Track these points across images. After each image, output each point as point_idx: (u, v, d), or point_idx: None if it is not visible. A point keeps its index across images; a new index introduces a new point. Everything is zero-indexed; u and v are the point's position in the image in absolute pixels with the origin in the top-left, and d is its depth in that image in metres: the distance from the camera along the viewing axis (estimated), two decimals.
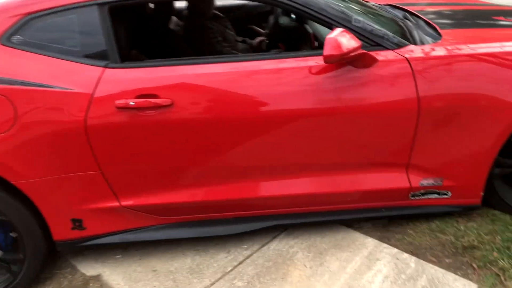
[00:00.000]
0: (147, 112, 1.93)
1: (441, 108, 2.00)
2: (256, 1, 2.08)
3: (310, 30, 2.70)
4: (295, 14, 2.85)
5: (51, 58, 1.92)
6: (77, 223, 2.12)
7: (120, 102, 1.91)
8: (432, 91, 1.97)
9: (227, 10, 3.42)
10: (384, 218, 2.35)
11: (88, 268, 2.29)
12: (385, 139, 2.09)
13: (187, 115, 1.96)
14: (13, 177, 1.95)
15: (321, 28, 2.40)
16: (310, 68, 1.98)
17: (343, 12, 2.03)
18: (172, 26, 3.09)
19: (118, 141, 1.97)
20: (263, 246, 2.30)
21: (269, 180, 2.16)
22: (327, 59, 1.83)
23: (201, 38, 2.91)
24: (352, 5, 2.27)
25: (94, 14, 1.93)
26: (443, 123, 2.04)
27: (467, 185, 2.22)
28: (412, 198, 2.24)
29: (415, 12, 2.66)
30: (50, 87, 1.89)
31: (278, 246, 2.28)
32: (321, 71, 1.98)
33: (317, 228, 2.35)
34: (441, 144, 2.10)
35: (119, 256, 2.34)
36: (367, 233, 2.31)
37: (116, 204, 2.11)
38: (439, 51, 2.02)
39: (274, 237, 2.34)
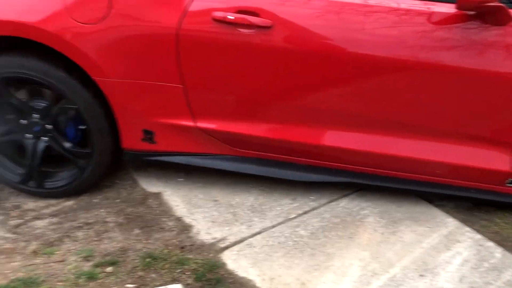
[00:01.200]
0: (243, 30, 1.77)
1: None
2: None
3: None
4: None
5: None
6: (148, 135, 2.04)
7: (219, 14, 1.76)
8: None
9: None
10: (470, 200, 2.11)
11: (149, 185, 2.22)
12: (497, 113, 1.83)
13: (284, 43, 1.78)
14: (95, 72, 1.87)
15: None
16: (431, 14, 1.74)
17: None
18: None
19: (207, 56, 1.84)
20: (331, 201, 2.13)
21: (353, 132, 1.96)
22: (460, 6, 1.59)
23: None
24: None
25: None
26: None
27: None
28: (508, 184, 1.98)
29: None
30: None
31: (348, 205, 2.11)
32: (443, 21, 1.73)
33: (393, 196, 2.15)
34: None
35: (182, 179, 2.26)
36: (449, 213, 2.08)
37: (190, 123, 2.00)
38: None
39: (344, 195, 2.17)
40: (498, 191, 2.02)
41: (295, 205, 2.10)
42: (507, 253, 1.87)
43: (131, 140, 2.05)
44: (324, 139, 1.98)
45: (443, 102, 1.82)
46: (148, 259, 1.75)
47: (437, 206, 2.12)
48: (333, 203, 2.12)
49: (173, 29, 1.78)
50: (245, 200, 2.13)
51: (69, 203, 2.11)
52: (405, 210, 2.08)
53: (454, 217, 2.06)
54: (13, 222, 1.99)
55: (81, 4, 1.81)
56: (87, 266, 1.72)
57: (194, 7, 1.78)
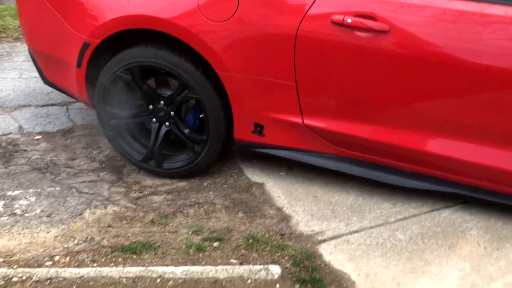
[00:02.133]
0: (360, 33, 1.85)
1: None
2: None
3: None
4: None
5: None
6: (258, 128, 2.18)
7: (338, 17, 1.85)
8: None
9: None
10: None
11: (254, 175, 2.37)
12: None
13: (401, 48, 1.82)
14: (218, 66, 2.06)
15: None
16: None
17: None
18: None
19: (322, 57, 1.94)
20: (433, 211, 2.11)
21: (464, 142, 1.93)
22: None
23: None
24: None
25: None
26: None
27: None
28: None
29: None
30: None
31: (450, 216, 2.08)
32: None
33: (500, 213, 2.08)
34: None
35: (284, 173, 2.38)
36: None
37: (299, 120, 2.11)
38: None
39: (447, 206, 2.14)
40: None
41: (395, 210, 2.12)
42: None
43: (242, 132, 2.21)
44: (431, 146, 1.97)
45: None
46: (250, 240, 1.88)
47: None
48: (434, 212, 2.10)
49: (293, 30, 1.91)
50: (344, 199, 2.19)
51: (182, 184, 2.33)
52: (511, 226, 2.00)
53: None
54: (134, 194, 2.24)
55: (212, 4, 2.01)
56: (196, 239, 1.90)
57: (314, 10, 1.89)
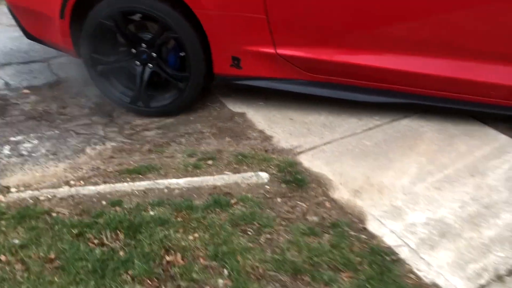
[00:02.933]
0: None
1: None
2: None
3: None
4: None
5: None
6: (236, 61, 2.40)
7: None
8: None
9: None
10: None
11: (235, 107, 2.62)
12: None
13: None
14: (195, 5, 2.25)
15: None
16: None
17: None
18: None
19: None
20: (393, 121, 2.43)
21: (417, 56, 2.22)
22: None
23: None
24: None
25: None
26: None
27: None
28: None
29: None
30: None
31: (409, 124, 2.40)
32: None
33: (450, 117, 2.41)
34: None
35: (262, 103, 2.63)
36: (502, 131, 2.32)
37: (272, 51, 2.34)
38: None
39: (405, 116, 2.46)
40: None
41: (361, 123, 2.42)
42: None
43: (221, 66, 2.43)
44: (390, 63, 2.26)
45: (500, 28, 2.04)
46: (240, 157, 2.15)
47: (491, 125, 2.36)
48: (395, 122, 2.42)
49: None
50: (316, 119, 2.48)
51: (170, 120, 2.55)
52: (461, 128, 2.34)
53: (506, 134, 2.29)
54: (127, 132, 2.46)
55: None
56: (192, 160, 2.15)
57: None
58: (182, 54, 2.44)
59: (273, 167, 2.08)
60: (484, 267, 1.60)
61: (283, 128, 2.41)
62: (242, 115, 2.54)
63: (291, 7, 2.21)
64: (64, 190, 1.84)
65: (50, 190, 1.85)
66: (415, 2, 2.08)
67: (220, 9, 2.26)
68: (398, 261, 1.61)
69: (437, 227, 1.76)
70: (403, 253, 1.64)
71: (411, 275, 1.56)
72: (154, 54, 2.44)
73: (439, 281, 1.54)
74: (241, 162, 2.12)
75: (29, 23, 2.67)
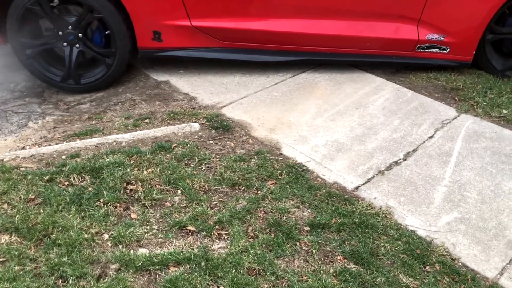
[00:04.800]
0: None
1: None
2: None
3: None
4: None
5: None
6: (157, 35, 2.75)
7: None
8: None
9: None
10: (392, 66, 2.96)
11: (158, 76, 2.96)
12: None
13: None
14: None
15: None
16: None
17: None
18: None
19: None
20: (294, 75, 2.94)
21: (307, 19, 2.73)
22: None
23: None
24: None
25: None
26: None
27: (463, 44, 2.78)
28: (418, 50, 2.82)
29: None
30: None
31: (306, 76, 2.93)
32: None
33: (338, 68, 2.98)
34: (447, 6, 2.65)
35: (182, 71, 3.01)
36: (378, 75, 2.94)
37: (187, 23, 2.72)
38: None
39: (303, 71, 2.98)
40: (411, 55, 2.86)
41: (269, 79, 2.90)
42: (415, 93, 2.74)
43: (144, 40, 2.76)
44: (285, 27, 2.75)
45: None
46: (171, 114, 2.52)
47: (370, 72, 2.97)
48: (296, 76, 2.93)
49: None
50: (232, 80, 2.91)
51: (100, 94, 2.83)
52: (346, 76, 2.92)
53: (381, 77, 2.91)
54: (63, 107, 2.71)
55: None
56: (129, 121, 2.48)
57: None
58: (107, 32, 2.72)
59: (201, 119, 2.48)
60: (370, 167, 2.16)
61: (205, 90, 2.81)
62: (167, 82, 2.90)
63: None
64: (24, 152, 2.09)
65: (12, 152, 2.09)
66: None
67: None
68: (308, 170, 2.11)
69: (334, 145, 2.29)
70: (311, 165, 2.15)
71: (318, 179, 2.07)
72: (80, 35, 2.70)
73: (338, 180, 2.07)
74: (174, 118, 2.50)
75: None
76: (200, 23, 2.73)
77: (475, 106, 2.60)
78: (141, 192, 1.85)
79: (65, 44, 2.72)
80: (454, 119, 2.50)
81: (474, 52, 2.81)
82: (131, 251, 1.62)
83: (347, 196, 1.95)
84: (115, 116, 2.56)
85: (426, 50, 2.83)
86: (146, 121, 2.48)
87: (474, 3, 2.66)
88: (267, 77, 2.94)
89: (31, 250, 1.57)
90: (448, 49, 2.81)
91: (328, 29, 2.76)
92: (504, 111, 2.54)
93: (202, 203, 1.84)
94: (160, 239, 1.68)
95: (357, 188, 2.02)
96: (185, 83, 2.88)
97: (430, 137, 2.35)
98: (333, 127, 2.44)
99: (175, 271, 1.55)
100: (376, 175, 2.11)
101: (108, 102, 2.73)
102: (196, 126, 2.40)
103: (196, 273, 1.54)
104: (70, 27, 2.68)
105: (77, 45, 2.73)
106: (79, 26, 2.68)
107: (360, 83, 2.85)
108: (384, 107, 2.61)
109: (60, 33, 2.69)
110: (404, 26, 2.76)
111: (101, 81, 2.82)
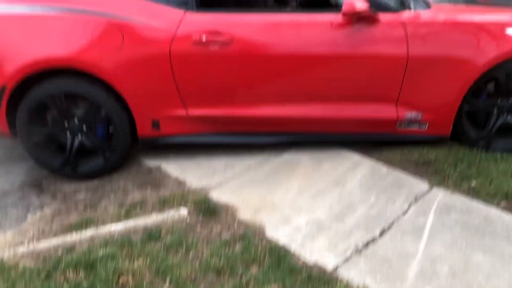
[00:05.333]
0: (213, 45, 2.76)
1: (424, 59, 2.80)
2: None
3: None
4: None
5: (149, 2, 2.78)
6: (155, 125, 2.97)
7: (196, 37, 2.75)
8: (419, 46, 2.77)
9: None
10: (371, 142, 3.17)
11: (150, 162, 3.16)
12: (382, 79, 2.88)
13: (240, 51, 2.78)
14: (117, 83, 2.81)
15: None
16: (331, 22, 2.79)
17: None
18: None
19: (191, 64, 2.81)
20: (278, 155, 3.15)
21: (292, 104, 2.94)
22: (344, 14, 2.66)
23: None
24: None
25: None
26: (424, 71, 2.83)
27: (440, 120, 2.99)
28: (399, 127, 3.03)
29: None
30: (147, 23, 2.75)
31: (289, 155, 3.13)
32: (338, 25, 2.79)
33: (319, 146, 3.19)
34: (423, 86, 2.88)
35: (173, 155, 3.21)
36: (355, 151, 3.14)
37: (184, 113, 2.95)
38: (426, 16, 2.83)
39: (286, 150, 3.19)
40: (393, 133, 3.06)
41: (254, 160, 3.10)
42: (390, 168, 2.93)
43: (144, 130, 2.98)
44: (273, 112, 2.96)
45: (349, 77, 2.86)
46: (162, 200, 2.68)
47: (347, 148, 3.17)
48: (279, 155, 3.13)
49: (167, 50, 2.76)
50: (219, 161, 3.11)
51: (95, 183, 3.01)
52: (326, 153, 3.12)
53: (359, 153, 3.11)
54: (60, 197, 2.87)
55: (103, 39, 2.74)
56: (122, 210, 2.63)
57: (179, 35, 2.76)
58: (110, 127, 2.94)
59: (190, 204, 2.64)
60: (348, 246, 2.29)
61: (194, 173, 3.00)
62: (158, 168, 3.09)
63: (194, 77, 2.85)
64: (22, 248, 2.23)
65: (11, 250, 2.23)
66: (282, 66, 2.84)
67: (139, 85, 2.83)
68: (290, 252, 2.24)
69: (315, 225, 2.44)
70: (293, 247, 2.28)
71: (299, 261, 2.20)
72: (83, 126, 2.93)
73: (319, 261, 2.20)
74: (164, 204, 2.66)
75: None
76: (195, 112, 2.96)
77: (446, 179, 2.78)
78: (131, 284, 1.97)
79: (68, 134, 2.94)
80: (426, 192, 2.66)
81: (451, 126, 3.00)
82: None
83: (326, 278, 2.07)
84: (109, 204, 2.72)
85: (407, 127, 3.03)
86: (138, 208, 2.64)
87: (447, 82, 2.87)
88: (252, 157, 3.13)
89: None
90: (427, 125, 3.01)
91: (314, 112, 2.97)
92: (473, 183, 2.71)
93: None
94: None
95: (336, 268, 2.15)
96: (176, 168, 3.07)
97: (404, 212, 2.50)
98: (314, 206, 2.60)
99: None
100: (354, 253, 2.24)
101: (103, 191, 2.90)
102: (184, 211, 2.56)
103: None
104: (76, 119, 2.91)
105: (80, 135, 2.94)
106: (84, 119, 2.91)
107: (339, 160, 3.04)
108: (361, 183, 2.79)
109: (66, 124, 2.92)
110: (384, 106, 2.97)
111: (99, 171, 3.02)
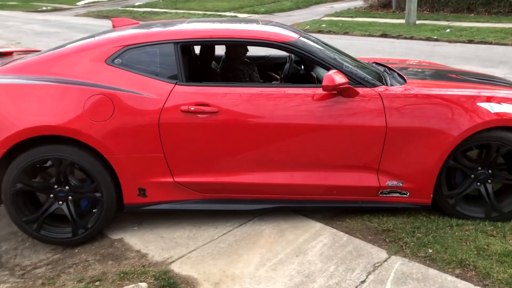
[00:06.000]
0: (200, 115, 2.90)
1: (402, 130, 2.95)
2: (283, 50, 3.11)
3: (314, 75, 3.70)
4: (305, 59, 3.71)
5: (140, 75, 2.94)
6: (142, 192, 3.01)
7: (184, 107, 2.89)
8: (396, 118, 2.93)
9: (255, 58, 4.40)
10: (331, 210, 3.25)
11: (113, 234, 3.15)
12: (362, 149, 3.00)
13: (227, 120, 2.91)
14: (107, 152, 2.88)
15: (322, 73, 3.32)
16: (313, 95, 2.97)
17: (336, 60, 3.07)
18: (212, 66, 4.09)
19: (179, 133, 2.92)
20: (241, 225, 3.18)
21: (277, 171, 3.03)
22: (324, 88, 2.82)
23: (234, 76, 3.88)
24: (347, 58, 3.31)
25: (170, 49, 2.97)
26: (403, 141, 2.97)
27: (420, 188, 3.07)
28: (380, 195, 3.12)
29: (391, 67, 3.66)
30: (138, 94, 2.89)
31: (252, 225, 3.17)
32: (319, 98, 2.96)
33: (282, 215, 3.24)
34: (402, 156, 3.00)
35: (136, 227, 3.21)
36: (318, 220, 3.20)
37: (170, 180, 3.01)
38: (401, 90, 3.02)
39: (250, 219, 3.23)
40: (375, 200, 3.14)
41: (217, 230, 3.13)
42: (350, 237, 2.99)
43: (130, 196, 3.02)
44: (259, 179, 3.03)
45: (330, 147, 2.98)
46: (122, 275, 2.65)
47: (310, 216, 3.23)
48: (242, 225, 3.17)
49: (156, 119, 2.88)
50: (182, 233, 3.12)
51: (57, 256, 2.98)
52: (289, 222, 3.17)
53: (321, 222, 3.17)
54: (19, 273, 2.83)
55: (94, 109, 2.85)
56: (81, 285, 2.59)
57: (168, 105, 2.89)
58: (98, 195, 2.97)
59: (150, 277, 2.62)
60: None
61: (156, 245, 3.00)
62: (120, 240, 3.08)
63: (181, 146, 2.94)
64: None
65: None
66: (267, 134, 2.96)
67: (127, 153, 2.92)
68: None
69: None
70: None
71: None
72: (70, 197, 2.97)
73: None
74: (124, 278, 2.63)
75: None
76: (182, 179, 3.02)
77: (403, 247, 2.84)
78: None
79: (51, 195, 2.99)
80: (384, 261, 2.71)
81: (431, 195, 3.09)
82: None
83: None
84: (68, 279, 2.68)
85: (388, 195, 3.11)
86: (97, 283, 2.60)
87: (425, 152, 2.99)
88: (215, 228, 3.16)
89: None
90: (408, 193, 3.10)
91: (297, 179, 3.05)
92: (430, 251, 2.78)
93: None
94: None
95: None
96: (138, 240, 3.07)
97: (362, 282, 2.53)
98: (274, 277, 2.61)
99: None
100: None
101: (63, 265, 2.86)
102: (143, 285, 2.54)
103: None
104: (67, 187, 2.98)
105: (62, 202, 3.00)
106: (73, 189, 2.99)
107: (301, 229, 3.09)
108: (321, 252, 2.82)
109: (57, 190, 2.99)
110: (365, 174, 3.06)
111: (76, 240, 3.04)
